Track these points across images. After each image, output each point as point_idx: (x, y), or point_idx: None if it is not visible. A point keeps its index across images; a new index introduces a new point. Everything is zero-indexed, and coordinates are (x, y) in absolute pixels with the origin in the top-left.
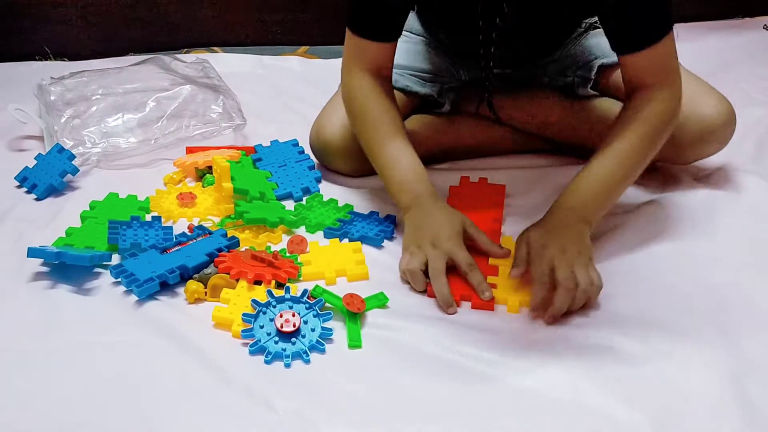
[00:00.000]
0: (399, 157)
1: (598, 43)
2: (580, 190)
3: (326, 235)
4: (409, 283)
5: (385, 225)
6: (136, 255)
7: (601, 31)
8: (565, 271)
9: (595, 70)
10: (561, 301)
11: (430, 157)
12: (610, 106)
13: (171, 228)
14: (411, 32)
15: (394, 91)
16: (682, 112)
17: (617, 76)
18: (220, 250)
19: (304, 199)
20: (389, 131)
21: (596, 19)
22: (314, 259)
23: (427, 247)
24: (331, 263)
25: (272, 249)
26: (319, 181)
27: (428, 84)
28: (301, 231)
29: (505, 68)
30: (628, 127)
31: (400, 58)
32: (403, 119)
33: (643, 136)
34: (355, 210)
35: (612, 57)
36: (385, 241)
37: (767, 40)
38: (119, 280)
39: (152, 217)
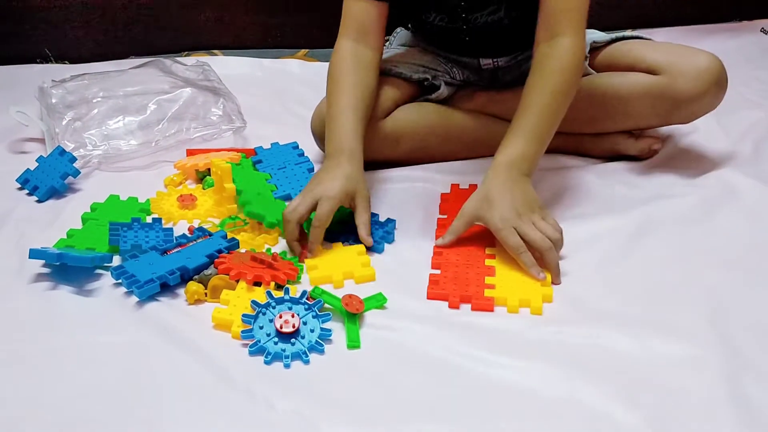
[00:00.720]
0: (342, 115)
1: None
2: (513, 146)
3: (326, 239)
4: None
5: (385, 228)
6: (137, 256)
7: None
8: (534, 234)
9: (588, 47)
10: (553, 260)
11: (426, 145)
12: (609, 80)
13: (171, 230)
14: (405, 45)
15: (391, 79)
16: (675, 69)
17: (603, 55)
18: (220, 251)
19: None
20: (345, 89)
21: None
22: (320, 264)
23: (307, 194)
24: (338, 266)
25: (272, 251)
26: None
27: (421, 71)
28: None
29: (496, 57)
30: (544, 80)
31: (394, 56)
32: (396, 106)
33: (560, 86)
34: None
35: (601, 37)
36: (385, 243)
37: (764, 43)
38: (120, 281)
39: (153, 218)
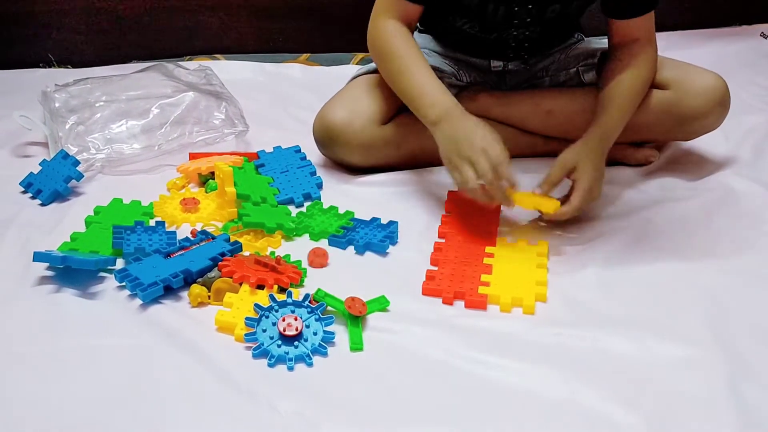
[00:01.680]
0: (425, 79)
1: (593, 44)
2: (605, 123)
3: (331, 243)
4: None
5: (388, 231)
6: (140, 259)
7: (591, 39)
8: (599, 190)
9: (599, 56)
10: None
11: (427, 151)
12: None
13: (174, 233)
14: None
15: None
16: (683, 86)
17: None
18: (223, 254)
19: (305, 206)
20: (414, 61)
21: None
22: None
23: (464, 159)
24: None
25: (276, 254)
26: (320, 187)
27: None
28: (305, 239)
29: (521, 57)
30: (629, 70)
31: None
32: (399, 110)
33: (640, 79)
34: (356, 216)
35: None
36: (390, 246)
37: (764, 48)
38: (124, 284)
39: (156, 222)
